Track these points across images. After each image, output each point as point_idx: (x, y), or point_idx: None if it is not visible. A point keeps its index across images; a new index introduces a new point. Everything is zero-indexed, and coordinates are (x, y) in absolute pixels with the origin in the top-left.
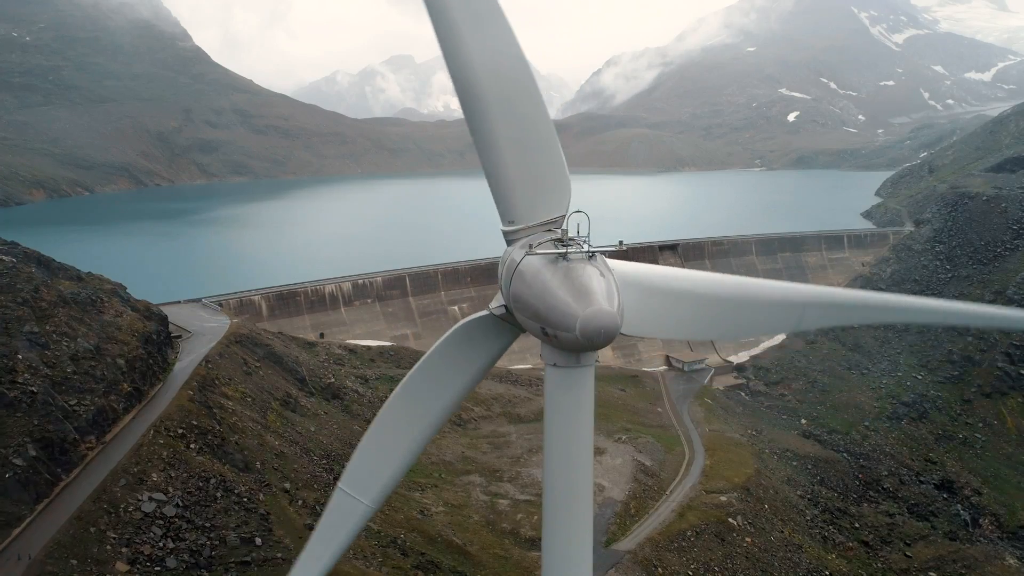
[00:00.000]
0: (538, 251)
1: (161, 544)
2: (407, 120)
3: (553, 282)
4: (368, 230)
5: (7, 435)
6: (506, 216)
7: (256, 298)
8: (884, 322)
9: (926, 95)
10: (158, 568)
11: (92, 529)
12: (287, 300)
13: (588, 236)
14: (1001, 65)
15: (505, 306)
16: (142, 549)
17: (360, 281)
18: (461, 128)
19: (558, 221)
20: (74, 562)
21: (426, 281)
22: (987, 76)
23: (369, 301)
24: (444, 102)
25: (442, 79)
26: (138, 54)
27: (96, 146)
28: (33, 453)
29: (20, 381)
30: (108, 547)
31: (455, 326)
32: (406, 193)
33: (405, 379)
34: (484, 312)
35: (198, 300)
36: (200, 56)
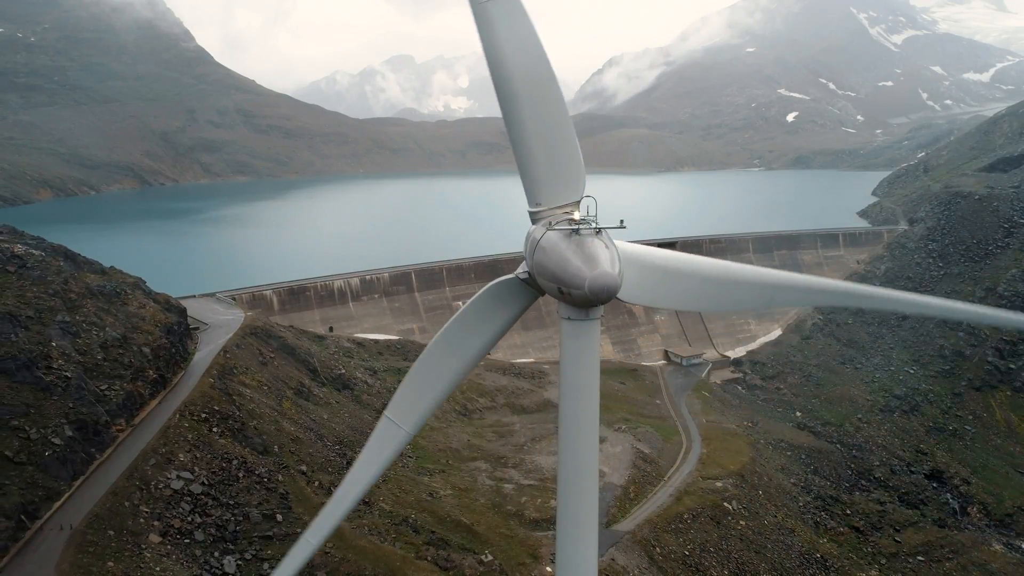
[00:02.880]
0: (556, 228)
1: (190, 519)
2: (408, 120)
3: (568, 251)
4: (372, 228)
5: (45, 416)
6: (533, 199)
7: (268, 293)
8: (837, 305)
9: (924, 95)
10: (187, 540)
11: (126, 503)
12: (297, 295)
13: (596, 216)
14: (1000, 66)
15: (528, 272)
16: (172, 523)
17: (368, 277)
18: (462, 128)
19: (574, 204)
20: (111, 532)
21: (431, 277)
22: (985, 77)
23: (376, 296)
24: (444, 102)
25: (442, 79)
26: (142, 54)
27: (101, 146)
28: (70, 433)
29: (55, 367)
30: (142, 520)
31: (487, 285)
32: (408, 192)
33: (444, 327)
34: (511, 276)
35: (212, 294)
36: (203, 56)
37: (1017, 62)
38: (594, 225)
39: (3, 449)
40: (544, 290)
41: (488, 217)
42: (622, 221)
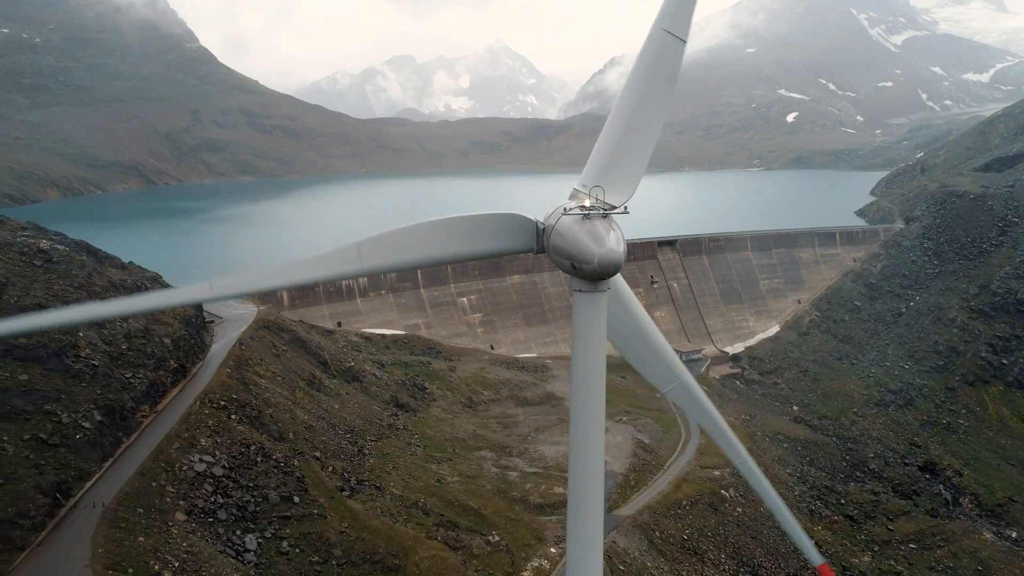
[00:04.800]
0: (570, 213)
1: (212, 499)
2: (409, 120)
3: (579, 233)
4: (377, 227)
5: (76, 402)
6: (519, 249)
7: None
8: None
9: (924, 96)
10: (211, 519)
11: (153, 484)
12: (307, 291)
13: (603, 202)
14: (999, 66)
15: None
16: (196, 502)
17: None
18: (463, 128)
19: (534, 223)
20: (140, 510)
21: (436, 274)
22: (985, 77)
23: (383, 292)
24: (445, 102)
25: (443, 79)
26: (146, 55)
27: (106, 145)
28: (99, 418)
29: (83, 355)
30: (168, 499)
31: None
32: (411, 192)
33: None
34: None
35: None
36: (206, 57)
37: (1017, 63)
38: (601, 210)
39: (38, 432)
40: (559, 267)
41: None
42: (625, 207)
